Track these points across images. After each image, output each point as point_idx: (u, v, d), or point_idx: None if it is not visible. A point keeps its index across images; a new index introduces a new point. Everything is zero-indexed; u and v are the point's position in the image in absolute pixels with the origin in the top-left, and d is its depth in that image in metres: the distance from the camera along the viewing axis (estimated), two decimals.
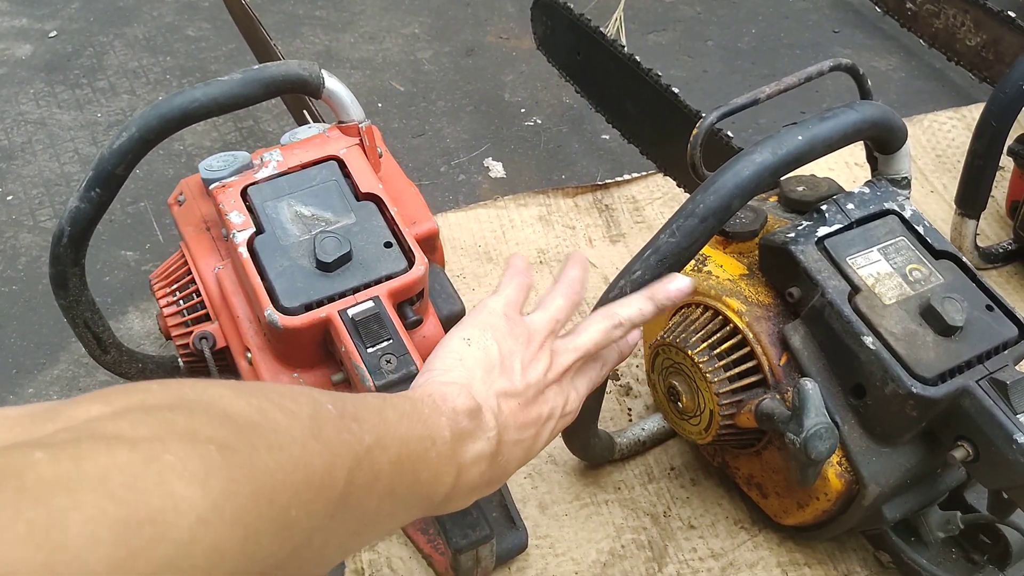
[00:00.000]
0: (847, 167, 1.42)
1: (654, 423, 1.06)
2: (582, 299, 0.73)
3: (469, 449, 0.60)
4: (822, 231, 0.87)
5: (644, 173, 1.43)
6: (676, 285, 0.72)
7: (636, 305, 0.71)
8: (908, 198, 0.92)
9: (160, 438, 0.37)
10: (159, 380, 0.43)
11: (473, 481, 0.60)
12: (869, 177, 0.95)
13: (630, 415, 1.12)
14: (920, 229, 0.88)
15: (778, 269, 0.88)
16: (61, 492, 0.32)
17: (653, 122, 1.34)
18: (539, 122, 1.61)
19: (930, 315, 0.81)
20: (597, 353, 0.72)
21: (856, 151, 1.44)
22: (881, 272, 0.85)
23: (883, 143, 0.90)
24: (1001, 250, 1.28)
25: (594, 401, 0.91)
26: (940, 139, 1.49)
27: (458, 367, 0.64)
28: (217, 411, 0.41)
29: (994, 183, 1.21)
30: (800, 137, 0.82)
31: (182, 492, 0.35)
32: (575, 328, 0.71)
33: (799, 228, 0.88)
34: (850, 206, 0.89)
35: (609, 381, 1.11)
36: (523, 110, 1.64)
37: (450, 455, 0.57)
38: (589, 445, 0.98)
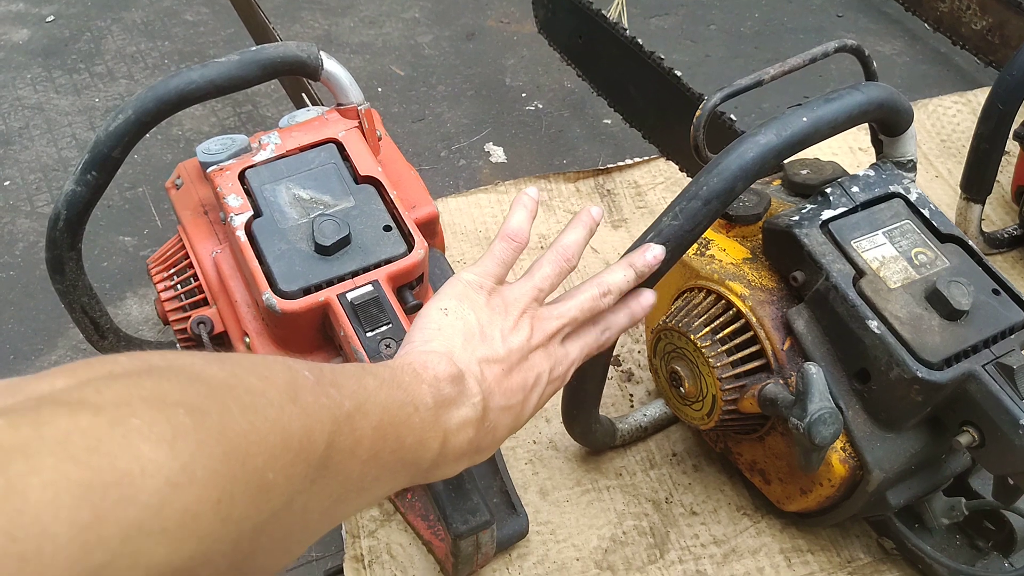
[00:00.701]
0: (851, 152, 1.41)
1: (656, 409, 1.06)
2: (574, 266, 0.73)
3: (454, 415, 0.59)
4: (826, 214, 0.86)
5: (646, 158, 1.42)
6: (652, 252, 0.75)
7: (620, 272, 0.73)
8: (914, 181, 0.90)
9: (126, 402, 0.36)
10: (127, 352, 0.43)
11: (460, 447, 0.60)
12: (873, 161, 0.94)
13: (631, 401, 1.11)
14: (926, 212, 0.87)
15: (782, 253, 0.87)
16: (19, 457, 0.31)
17: (655, 106, 1.33)
18: (540, 107, 1.60)
19: (936, 299, 0.80)
20: (591, 318, 0.72)
21: (860, 136, 1.43)
22: (886, 256, 0.83)
23: (889, 125, 0.89)
24: (1006, 235, 1.27)
25: (595, 386, 0.90)
26: (945, 124, 1.47)
27: (438, 336, 0.64)
28: (187, 376, 0.40)
29: (999, 168, 1.19)
30: (805, 119, 0.81)
31: (149, 455, 0.34)
32: (564, 295, 0.71)
33: (803, 211, 0.86)
34: (855, 189, 0.88)
35: (611, 367, 1.10)
36: (524, 94, 1.63)
37: (434, 421, 0.57)
38: (590, 431, 0.97)
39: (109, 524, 0.32)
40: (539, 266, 0.71)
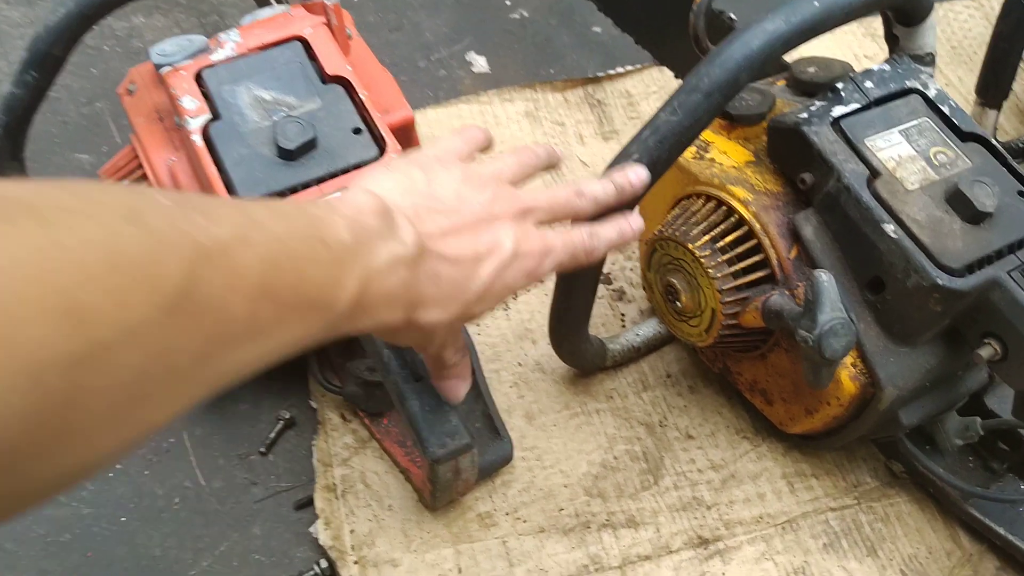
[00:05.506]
0: (855, 59, 1.33)
1: (649, 328, 0.99)
2: (534, 166, 0.71)
3: (379, 251, 0.53)
4: (838, 111, 0.79)
5: (639, 66, 1.34)
6: (635, 173, 0.72)
7: (598, 182, 0.71)
8: (932, 76, 0.83)
9: None
10: None
11: (390, 290, 0.54)
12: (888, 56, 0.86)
13: (623, 321, 1.05)
14: (945, 109, 0.81)
15: (789, 153, 0.80)
16: None
17: (648, 9, 1.25)
18: (525, 15, 1.51)
19: (957, 201, 0.74)
20: (566, 215, 0.69)
21: (865, 42, 1.35)
22: (903, 155, 0.77)
23: (907, 13, 0.81)
24: (1020, 145, 1.20)
25: (584, 302, 0.84)
26: (956, 29, 1.39)
27: (371, 184, 0.59)
28: None
29: (1015, 78, 1.13)
30: (816, 3, 0.74)
31: None
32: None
33: (812, 108, 0.79)
34: (869, 84, 0.81)
35: (601, 286, 1.04)
36: (508, 2, 1.53)
37: (351, 257, 0.52)
38: (579, 351, 0.92)
39: None
40: (501, 156, 0.68)
